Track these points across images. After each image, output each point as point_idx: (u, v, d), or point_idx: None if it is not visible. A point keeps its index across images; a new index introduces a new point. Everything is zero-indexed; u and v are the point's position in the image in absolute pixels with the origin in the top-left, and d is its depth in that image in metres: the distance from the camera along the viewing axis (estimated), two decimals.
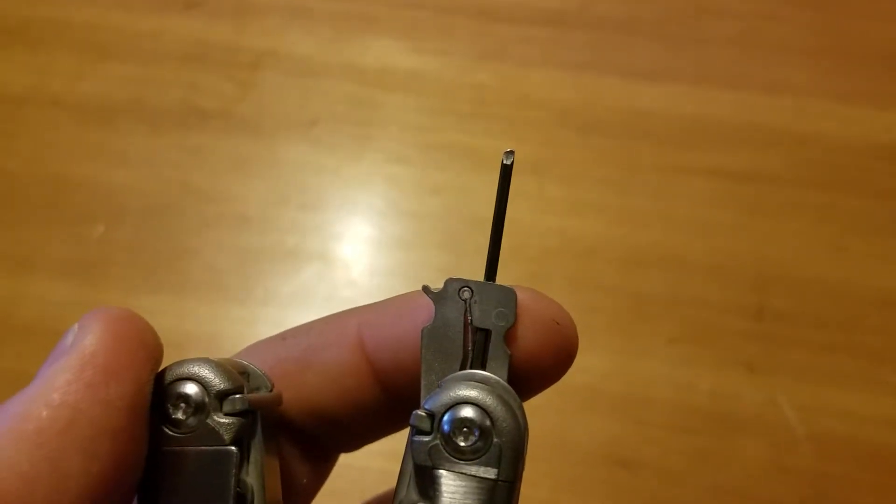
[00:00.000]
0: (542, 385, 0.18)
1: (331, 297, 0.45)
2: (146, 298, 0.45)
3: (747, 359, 0.44)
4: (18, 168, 0.48)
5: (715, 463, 0.41)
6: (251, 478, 0.17)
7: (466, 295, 0.17)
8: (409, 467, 0.16)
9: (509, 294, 0.17)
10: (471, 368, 0.17)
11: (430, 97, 0.51)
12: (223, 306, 0.45)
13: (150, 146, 0.49)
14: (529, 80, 0.51)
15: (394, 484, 0.17)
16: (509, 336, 0.17)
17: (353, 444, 0.20)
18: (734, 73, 0.51)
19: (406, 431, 0.17)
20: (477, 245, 0.46)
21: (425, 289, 0.17)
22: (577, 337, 0.18)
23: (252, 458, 0.17)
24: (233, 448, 0.16)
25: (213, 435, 0.16)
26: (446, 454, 0.16)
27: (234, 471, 0.16)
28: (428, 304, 0.17)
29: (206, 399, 0.16)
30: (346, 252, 0.47)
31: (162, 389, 0.16)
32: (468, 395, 0.16)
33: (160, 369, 0.17)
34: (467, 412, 0.16)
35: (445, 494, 0.15)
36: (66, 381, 0.15)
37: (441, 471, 0.16)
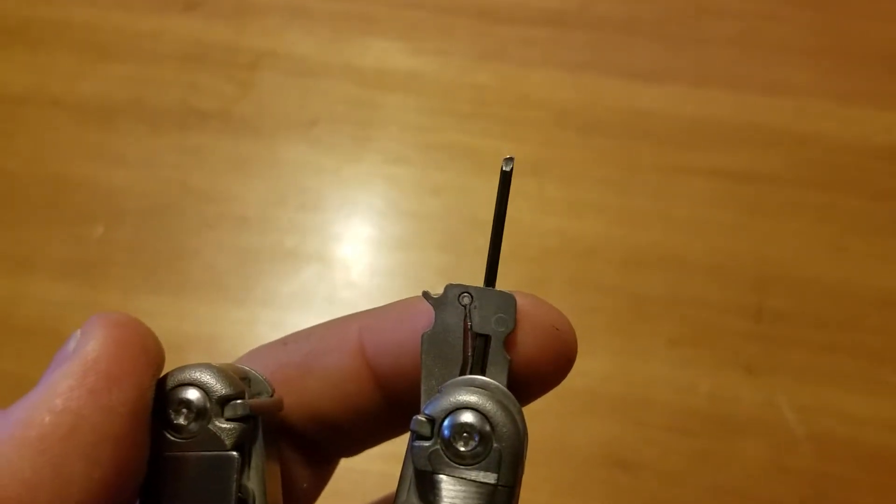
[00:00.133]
0: (541, 390, 0.18)
1: (330, 298, 0.45)
2: (146, 299, 0.45)
3: (747, 359, 0.44)
4: (18, 168, 0.48)
5: (715, 464, 0.41)
6: (252, 483, 0.17)
7: (466, 300, 0.17)
8: (410, 472, 0.16)
9: (509, 300, 0.17)
10: (470, 374, 0.17)
11: (429, 97, 0.50)
12: (223, 307, 0.45)
13: (149, 146, 0.49)
14: (529, 80, 0.51)
15: (394, 487, 0.17)
16: (509, 341, 0.17)
17: (354, 448, 0.20)
18: (734, 73, 0.51)
19: (406, 436, 0.17)
20: (477, 246, 0.46)
21: (425, 294, 0.17)
22: (576, 343, 0.18)
23: (253, 464, 0.17)
24: (234, 453, 0.16)
25: (214, 440, 0.16)
26: (446, 459, 0.16)
27: (235, 476, 0.16)
28: (428, 310, 0.17)
29: (208, 404, 0.16)
30: (345, 252, 0.47)
31: (163, 395, 0.16)
32: (468, 400, 0.16)
33: (162, 375, 0.17)
34: (467, 417, 0.16)
35: (445, 499, 0.16)
36: (69, 387, 0.15)
37: (441, 476, 0.16)
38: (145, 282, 0.45)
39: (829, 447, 0.42)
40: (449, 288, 0.17)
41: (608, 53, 0.52)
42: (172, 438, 0.16)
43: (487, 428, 0.16)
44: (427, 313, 0.17)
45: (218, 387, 0.17)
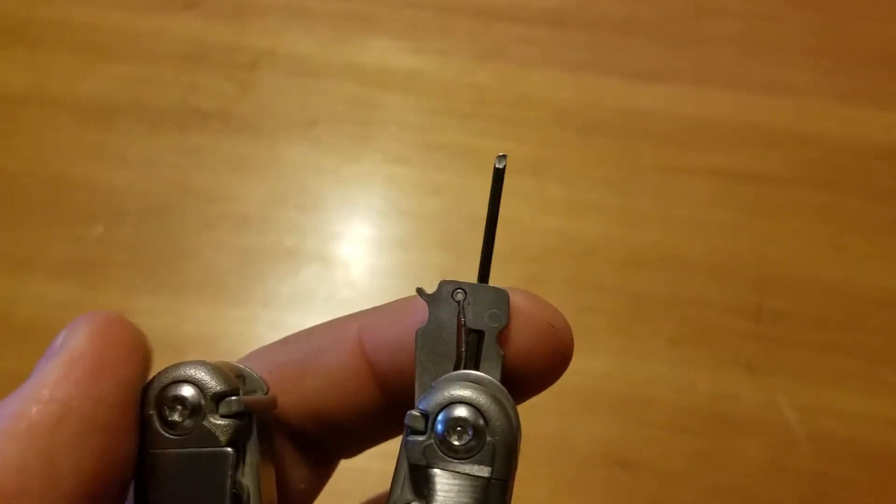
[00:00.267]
0: (537, 388, 0.18)
1: (330, 298, 0.45)
2: (146, 299, 0.45)
3: (747, 359, 0.44)
4: (18, 168, 0.49)
5: (715, 463, 0.41)
6: (247, 479, 0.17)
7: (460, 297, 0.17)
8: (404, 467, 0.16)
9: (502, 295, 0.17)
10: (464, 369, 0.17)
11: (429, 97, 0.51)
12: (222, 307, 0.45)
13: (149, 146, 0.49)
14: (529, 80, 0.51)
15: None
16: (503, 337, 0.17)
17: (354, 448, 0.20)
18: (734, 73, 0.51)
19: None
20: (476, 246, 0.46)
21: (419, 291, 0.17)
22: (572, 340, 0.18)
23: (248, 460, 0.17)
24: (229, 449, 0.16)
25: (208, 436, 0.16)
26: (440, 453, 0.16)
27: (230, 472, 0.16)
28: (426, 307, 0.17)
29: (202, 401, 0.16)
30: (345, 252, 0.47)
31: (157, 391, 0.17)
32: (462, 394, 0.16)
33: (157, 372, 0.17)
34: (461, 412, 0.16)
35: (440, 493, 0.16)
36: (56, 379, 0.15)
37: (435, 470, 0.16)
38: (145, 282, 0.45)
39: (829, 447, 0.42)
40: (443, 284, 0.17)
41: (608, 53, 0.52)
42: (167, 435, 0.16)
43: (481, 422, 0.16)
44: (426, 310, 0.17)
45: (213, 383, 0.17)
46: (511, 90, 0.51)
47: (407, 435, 0.16)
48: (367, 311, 0.19)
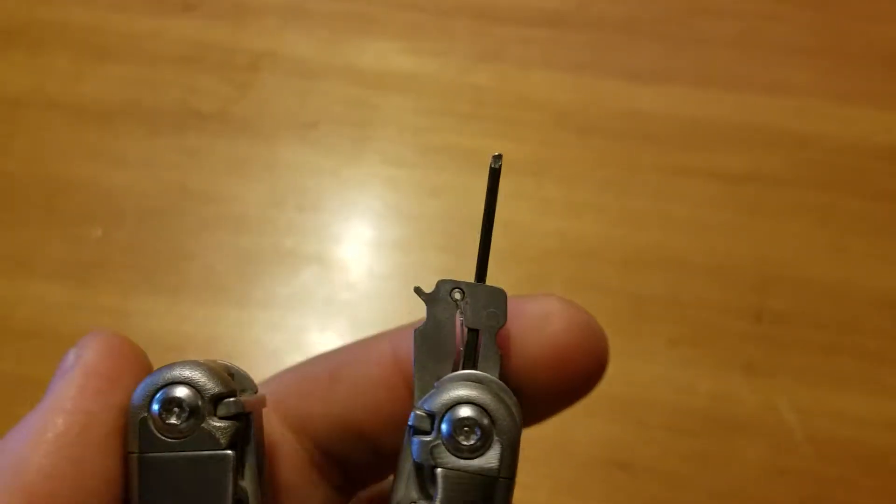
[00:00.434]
0: (573, 394, 0.18)
1: (329, 299, 0.45)
2: (145, 300, 0.45)
3: (747, 360, 0.44)
4: (16, 169, 0.49)
5: (714, 465, 0.41)
6: (246, 482, 0.17)
7: (458, 296, 0.17)
8: (407, 466, 0.16)
9: (499, 294, 0.17)
10: (463, 368, 0.17)
11: (428, 98, 0.51)
12: (221, 308, 0.45)
13: (148, 147, 0.49)
14: (528, 81, 0.51)
15: None
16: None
17: (380, 467, 0.20)
18: (734, 73, 0.51)
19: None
20: (476, 247, 0.46)
21: (417, 290, 0.17)
22: (608, 345, 0.18)
23: (247, 463, 0.17)
24: (230, 452, 0.16)
25: (208, 439, 0.16)
26: (448, 453, 0.16)
27: (231, 475, 0.16)
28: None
29: (200, 403, 0.16)
30: (344, 253, 0.47)
31: (152, 393, 0.16)
32: (468, 394, 0.16)
33: (150, 373, 0.17)
34: (467, 411, 0.16)
35: (447, 492, 0.16)
36: (77, 392, 0.16)
37: (442, 469, 0.16)
38: (144, 282, 0.45)
39: (828, 448, 0.42)
40: (440, 284, 0.17)
41: (608, 54, 0.52)
42: (164, 438, 0.16)
43: (487, 421, 0.16)
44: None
45: (210, 385, 0.16)
46: (510, 91, 0.51)
47: (411, 435, 0.16)
48: (398, 327, 0.19)
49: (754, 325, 0.44)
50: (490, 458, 0.16)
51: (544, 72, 0.51)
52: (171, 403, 0.16)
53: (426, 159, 0.49)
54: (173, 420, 0.16)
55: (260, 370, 0.46)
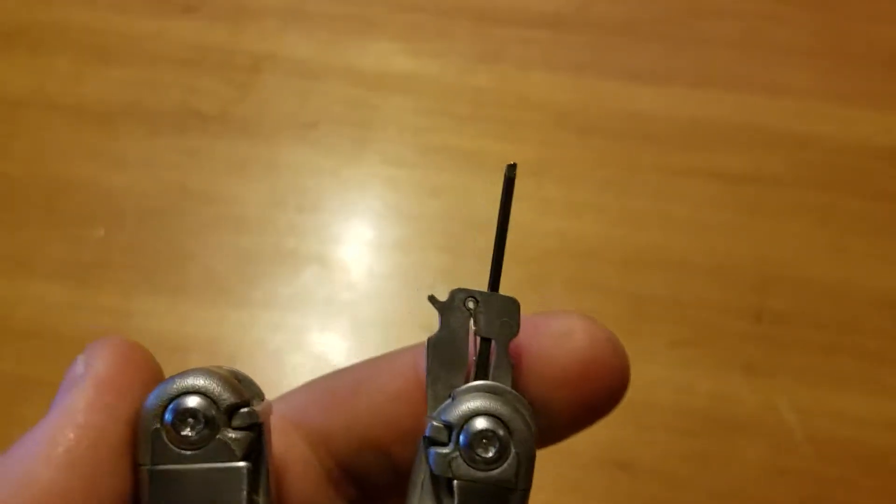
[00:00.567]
0: (595, 412, 0.18)
1: (330, 299, 0.45)
2: (146, 300, 0.45)
3: (747, 360, 0.44)
4: (17, 170, 0.49)
5: (714, 465, 0.41)
6: (260, 494, 0.16)
7: (471, 305, 0.17)
8: (421, 477, 0.16)
9: (513, 304, 0.17)
10: (476, 378, 0.17)
11: (428, 99, 0.51)
12: (222, 308, 0.45)
13: (148, 148, 0.49)
14: (528, 81, 0.51)
15: None
16: (514, 345, 0.17)
17: (394, 485, 0.20)
18: (734, 74, 0.51)
19: None
20: (476, 247, 0.46)
21: (431, 298, 0.17)
22: (628, 363, 0.18)
23: (260, 474, 0.16)
24: (245, 464, 0.16)
25: (223, 451, 0.16)
26: (466, 464, 0.16)
27: (246, 487, 0.16)
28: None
29: (215, 413, 0.16)
30: (344, 254, 0.47)
31: (165, 404, 0.16)
32: (486, 406, 0.16)
33: (161, 382, 0.17)
34: (486, 423, 0.16)
35: (463, 503, 0.16)
36: (87, 405, 0.16)
37: (460, 481, 0.16)
38: (145, 283, 0.46)
39: (828, 448, 0.42)
40: (454, 293, 0.17)
41: (607, 55, 0.52)
42: (177, 450, 0.16)
43: (504, 433, 0.16)
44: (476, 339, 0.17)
45: (225, 395, 0.16)
46: (510, 92, 0.51)
47: (427, 446, 0.16)
48: (420, 343, 0.19)
49: (754, 326, 0.44)
50: (507, 470, 0.16)
51: (544, 73, 0.51)
52: (184, 414, 0.16)
53: (426, 160, 0.49)
54: (187, 431, 0.16)
55: (261, 370, 0.46)
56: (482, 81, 0.51)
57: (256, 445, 0.16)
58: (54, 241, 0.47)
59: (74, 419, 0.16)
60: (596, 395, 0.18)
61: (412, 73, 0.51)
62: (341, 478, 0.19)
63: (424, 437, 0.16)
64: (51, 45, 0.52)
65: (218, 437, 0.16)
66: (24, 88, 0.51)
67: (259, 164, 0.49)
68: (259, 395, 0.18)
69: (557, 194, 0.48)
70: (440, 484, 0.16)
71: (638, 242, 0.47)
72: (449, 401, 0.17)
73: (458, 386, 0.17)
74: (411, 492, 0.17)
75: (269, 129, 0.50)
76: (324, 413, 0.19)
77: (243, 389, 0.17)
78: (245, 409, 0.16)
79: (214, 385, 0.16)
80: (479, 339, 0.17)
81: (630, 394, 0.45)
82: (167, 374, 0.17)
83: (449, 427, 0.16)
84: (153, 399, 0.16)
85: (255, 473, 0.16)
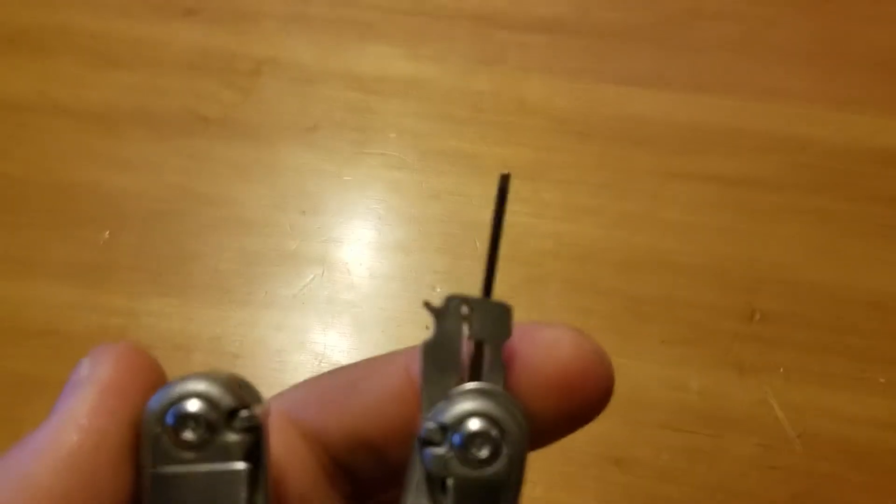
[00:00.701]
0: (579, 419, 0.19)
1: (331, 300, 0.46)
2: (150, 301, 0.46)
3: (739, 359, 0.44)
4: (24, 173, 0.49)
5: (707, 461, 0.42)
6: (260, 496, 0.17)
7: (465, 310, 0.18)
8: (416, 477, 0.17)
9: (505, 310, 0.18)
10: (469, 380, 0.18)
11: (428, 103, 0.51)
12: (226, 308, 0.46)
13: (153, 152, 0.50)
14: (527, 86, 0.52)
15: None
16: (507, 350, 0.18)
17: (386, 480, 0.20)
18: (729, 79, 0.52)
19: None
20: (475, 248, 0.47)
21: (426, 303, 0.18)
22: (613, 374, 0.18)
23: (260, 476, 0.17)
24: (245, 466, 0.16)
25: (224, 454, 0.16)
26: (460, 464, 0.16)
27: (246, 490, 0.16)
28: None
29: (215, 416, 0.16)
30: (345, 255, 0.47)
31: (166, 408, 0.16)
32: (479, 407, 0.17)
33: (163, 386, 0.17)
34: (480, 424, 0.16)
35: (458, 501, 0.16)
36: (91, 408, 0.16)
37: (454, 480, 0.16)
38: (150, 283, 0.46)
39: (818, 445, 0.42)
40: (449, 299, 0.18)
41: (605, 60, 0.52)
42: (178, 453, 0.16)
43: (497, 433, 0.16)
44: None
45: (225, 398, 0.16)
46: (509, 96, 0.51)
47: (421, 446, 0.17)
48: (413, 346, 0.19)
49: (747, 325, 0.45)
50: (500, 469, 0.16)
51: (543, 77, 0.52)
52: (185, 418, 0.16)
53: (426, 162, 0.50)
54: (187, 434, 0.16)
55: (264, 369, 0.47)
56: (481, 85, 0.52)
57: (256, 447, 0.17)
58: (60, 242, 0.47)
59: (77, 422, 0.16)
60: (579, 404, 0.18)
61: (412, 76, 0.52)
62: (337, 473, 0.19)
63: (419, 438, 0.17)
64: (54, 48, 0.53)
65: (218, 439, 0.16)
66: (29, 92, 0.51)
67: (261, 166, 0.49)
68: (258, 398, 0.18)
69: (555, 197, 0.48)
70: (435, 483, 0.17)
71: (633, 244, 0.47)
72: (443, 402, 0.17)
73: (452, 388, 0.17)
74: (406, 490, 0.17)
75: (271, 133, 0.50)
76: (319, 411, 0.19)
77: (243, 393, 0.17)
78: (244, 413, 0.16)
79: (214, 389, 0.16)
80: (472, 342, 0.18)
81: (624, 390, 0.46)
82: (171, 371, 0.18)
83: (443, 428, 0.17)
84: (154, 403, 0.16)
85: (254, 475, 0.16)
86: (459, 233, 0.47)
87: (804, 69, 0.52)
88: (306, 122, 0.51)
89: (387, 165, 0.50)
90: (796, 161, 0.49)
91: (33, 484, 0.15)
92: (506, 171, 0.17)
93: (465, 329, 0.18)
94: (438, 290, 0.46)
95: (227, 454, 0.16)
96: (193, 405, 0.16)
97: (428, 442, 0.17)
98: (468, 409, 0.17)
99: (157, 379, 0.17)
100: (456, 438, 0.16)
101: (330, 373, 0.20)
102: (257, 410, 0.17)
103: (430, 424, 0.17)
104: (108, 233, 0.47)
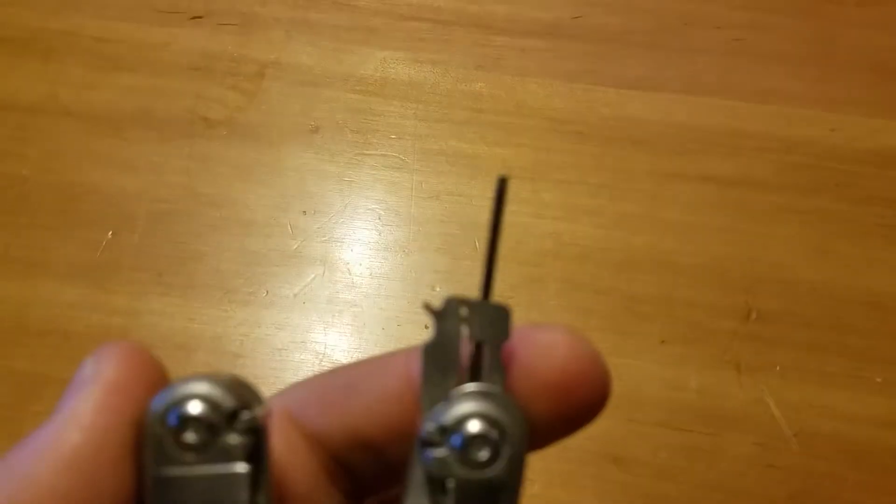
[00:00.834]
0: (576, 422, 0.18)
1: (332, 299, 0.46)
2: (154, 300, 0.46)
3: (736, 358, 0.45)
4: (31, 175, 0.50)
5: (704, 459, 0.42)
6: (261, 497, 0.17)
7: (464, 312, 0.18)
8: (416, 477, 0.17)
9: (504, 311, 0.18)
10: (469, 381, 0.18)
11: (428, 105, 0.52)
12: (228, 308, 0.46)
13: (157, 154, 0.50)
14: (525, 88, 0.52)
15: None
16: (505, 352, 0.18)
17: (386, 478, 0.20)
18: (724, 81, 0.52)
19: None
20: (474, 249, 0.47)
21: (426, 305, 0.18)
22: (610, 377, 0.18)
23: (261, 477, 0.17)
24: (246, 468, 0.16)
25: (225, 456, 0.16)
26: (460, 465, 0.16)
27: (247, 491, 0.16)
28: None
29: (216, 418, 0.16)
30: (346, 255, 0.48)
31: (168, 409, 0.16)
32: (479, 408, 0.17)
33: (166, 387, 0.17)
34: (480, 425, 0.17)
35: (458, 502, 0.16)
36: (94, 407, 0.16)
37: (455, 480, 0.16)
38: (154, 283, 0.47)
39: (815, 444, 0.43)
40: (448, 301, 0.18)
41: (602, 63, 0.53)
42: (179, 455, 0.16)
43: (497, 434, 0.16)
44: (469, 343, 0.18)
45: (227, 400, 0.16)
46: (507, 99, 0.52)
47: (421, 447, 0.17)
48: (413, 346, 0.20)
49: (743, 324, 0.45)
50: (500, 470, 0.16)
51: (541, 80, 0.52)
52: (187, 419, 0.16)
53: (426, 163, 0.50)
54: (189, 436, 0.16)
55: (265, 368, 0.47)
56: (480, 88, 0.52)
57: (257, 449, 0.17)
58: (63, 242, 0.47)
59: (80, 421, 0.16)
60: (575, 407, 0.18)
61: (412, 80, 0.52)
62: (337, 472, 0.20)
63: (419, 439, 0.17)
64: (63, 53, 0.53)
65: (220, 441, 0.16)
66: (38, 95, 0.52)
67: (264, 168, 0.50)
68: (259, 399, 0.18)
69: (553, 198, 0.49)
70: (435, 484, 0.17)
71: (632, 244, 0.47)
72: (443, 404, 0.17)
73: (452, 389, 0.17)
74: (407, 491, 0.17)
75: (274, 135, 0.51)
76: (320, 410, 0.19)
77: (244, 394, 0.17)
78: (246, 415, 0.16)
79: (216, 391, 0.16)
80: (472, 343, 0.18)
81: (623, 389, 0.47)
82: (173, 371, 0.18)
83: (443, 429, 0.17)
84: (156, 404, 0.16)
85: (256, 476, 0.16)
86: (459, 233, 0.48)
87: (801, 71, 0.52)
88: (308, 124, 0.51)
89: (387, 166, 0.50)
90: (794, 161, 0.50)
91: (35, 483, 0.15)
92: (504, 174, 0.17)
93: (465, 330, 0.18)
94: (438, 290, 0.46)
95: (229, 456, 0.16)
96: (195, 407, 0.16)
97: (428, 443, 0.17)
98: (468, 410, 0.17)
99: (160, 378, 0.17)
100: (456, 440, 0.16)
101: (330, 372, 0.20)
102: (258, 412, 0.17)
103: (430, 426, 0.17)
104: (111, 233, 0.48)
